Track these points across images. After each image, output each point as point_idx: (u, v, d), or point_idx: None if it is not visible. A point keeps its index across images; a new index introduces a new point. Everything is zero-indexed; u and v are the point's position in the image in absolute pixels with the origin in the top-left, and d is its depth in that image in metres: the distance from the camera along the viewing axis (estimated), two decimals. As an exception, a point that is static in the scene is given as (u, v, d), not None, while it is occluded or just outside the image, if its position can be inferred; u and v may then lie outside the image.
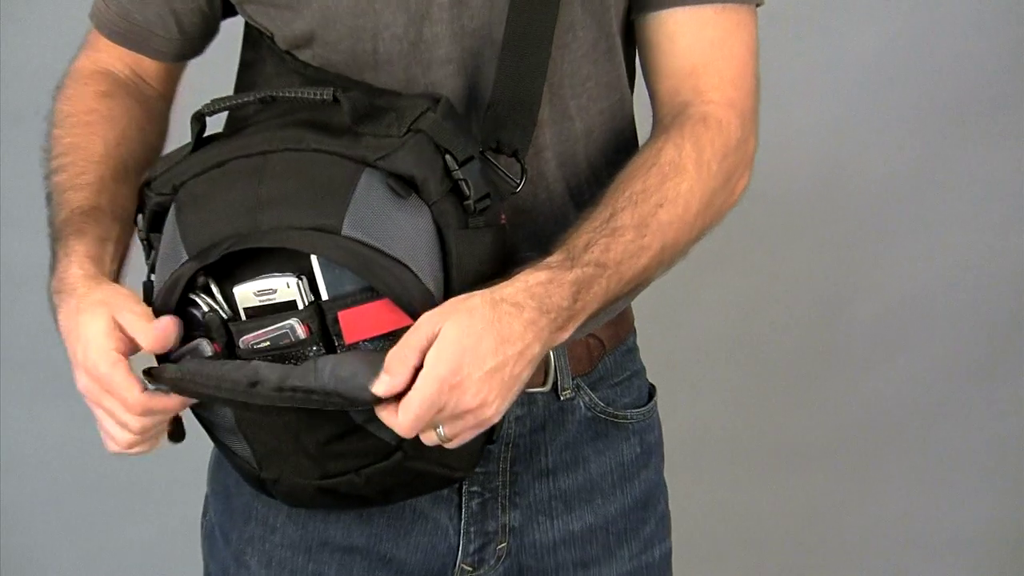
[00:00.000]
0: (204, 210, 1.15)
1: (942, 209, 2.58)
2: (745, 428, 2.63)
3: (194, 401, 1.16)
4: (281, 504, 1.28)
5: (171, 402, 1.15)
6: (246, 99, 1.18)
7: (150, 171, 1.21)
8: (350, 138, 1.15)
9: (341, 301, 1.12)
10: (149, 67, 1.36)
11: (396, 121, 1.15)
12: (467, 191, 1.15)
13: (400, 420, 1.09)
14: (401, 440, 1.13)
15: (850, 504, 2.70)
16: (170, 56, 1.36)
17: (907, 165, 2.54)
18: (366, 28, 1.22)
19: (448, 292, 1.13)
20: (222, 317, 1.14)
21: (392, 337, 1.11)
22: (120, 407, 1.15)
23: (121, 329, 1.15)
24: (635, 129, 1.35)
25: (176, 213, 1.17)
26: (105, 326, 1.14)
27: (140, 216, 1.21)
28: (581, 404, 1.35)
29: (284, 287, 1.12)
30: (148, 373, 1.14)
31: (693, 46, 1.27)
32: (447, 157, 1.14)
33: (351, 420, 1.15)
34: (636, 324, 1.42)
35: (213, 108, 1.19)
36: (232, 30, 1.34)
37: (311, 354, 1.12)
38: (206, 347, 1.15)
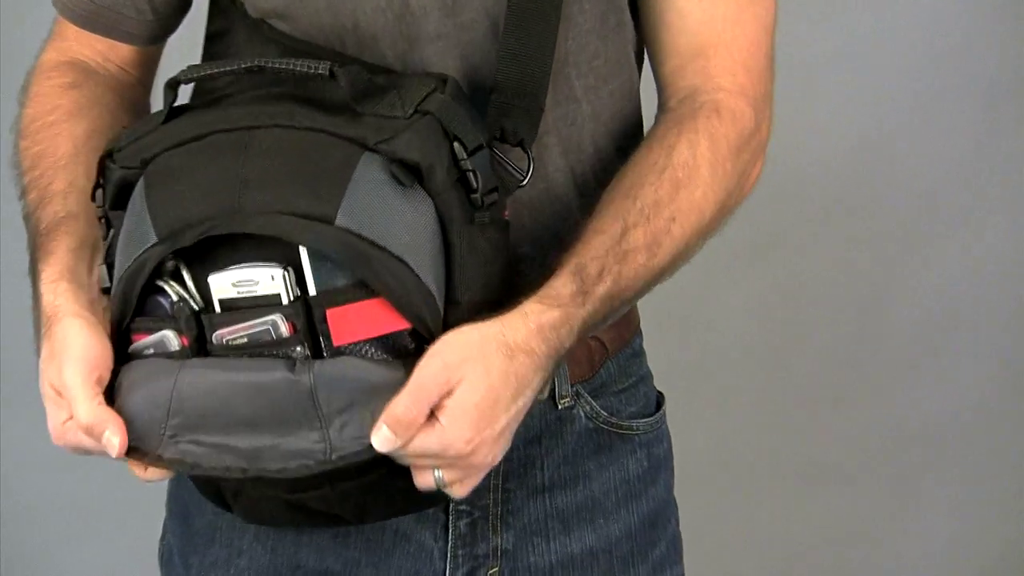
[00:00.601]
0: (178, 187, 1.11)
1: (987, 203, 2.55)
2: (766, 442, 2.59)
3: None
4: (247, 524, 1.26)
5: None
6: (230, 67, 1.13)
7: (113, 141, 1.16)
8: (347, 117, 1.11)
9: (330, 298, 1.08)
10: (122, 52, 1.32)
11: (399, 101, 1.12)
12: (475, 183, 1.11)
13: (397, 458, 1.10)
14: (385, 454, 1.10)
15: (885, 528, 2.65)
16: (143, 38, 1.32)
17: (948, 154, 2.51)
18: (344, 1, 1.18)
19: (449, 293, 1.11)
20: (192, 308, 1.10)
21: (386, 341, 1.09)
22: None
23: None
24: (641, 113, 1.31)
25: (145, 189, 1.12)
26: (53, 392, 1.12)
27: (99, 191, 1.16)
28: (581, 414, 1.30)
29: (268, 279, 1.08)
30: (125, 447, 1.10)
31: (704, 23, 1.25)
32: (456, 144, 1.11)
33: None
34: (642, 325, 1.38)
35: (191, 75, 1.14)
36: (204, 4, 1.31)
37: (294, 354, 1.09)
38: (172, 340, 1.11)
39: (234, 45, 1.25)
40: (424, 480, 1.11)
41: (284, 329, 1.09)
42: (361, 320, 1.08)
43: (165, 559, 1.37)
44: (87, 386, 1.10)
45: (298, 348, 1.09)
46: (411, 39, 1.20)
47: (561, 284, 1.14)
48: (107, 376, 1.11)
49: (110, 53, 1.32)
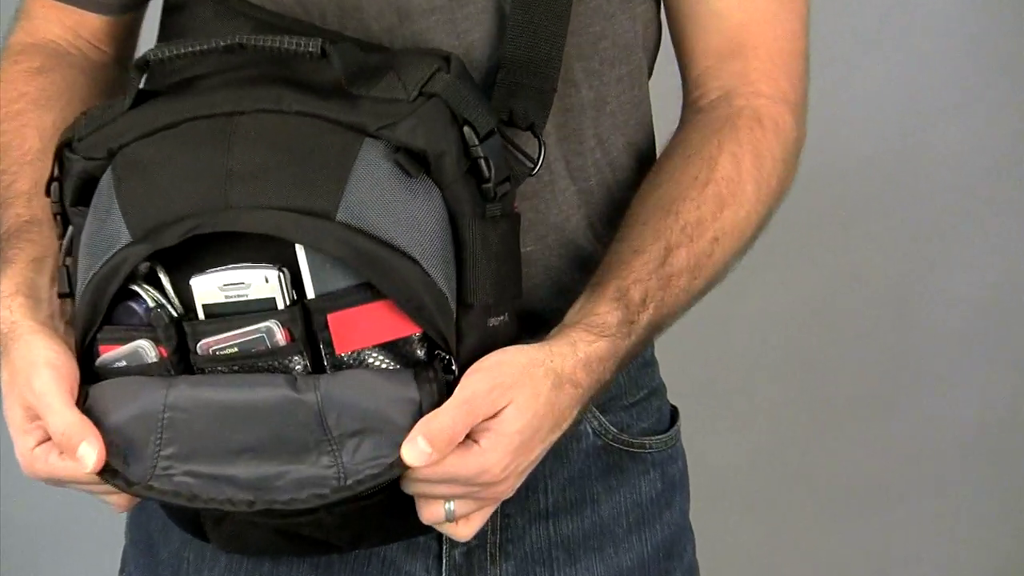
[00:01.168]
0: (154, 181, 1.06)
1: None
2: (789, 461, 2.55)
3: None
4: (219, 554, 1.22)
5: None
6: (207, 46, 1.08)
7: (71, 130, 1.11)
8: (342, 101, 1.07)
9: (331, 301, 1.04)
10: (94, 25, 1.27)
11: (400, 82, 1.07)
12: (487, 172, 1.07)
13: (409, 483, 1.06)
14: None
15: (927, 553, 2.61)
16: (115, 7, 1.27)
17: (983, 150, 2.47)
18: None
19: (460, 295, 1.07)
20: (171, 315, 1.06)
21: (393, 348, 1.05)
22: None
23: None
24: (650, 103, 1.28)
25: (114, 183, 1.08)
26: (21, 413, 1.08)
27: (55, 185, 1.11)
28: (588, 430, 1.26)
29: (260, 281, 1.04)
30: (107, 471, 1.05)
31: (743, 23, 1.23)
32: (466, 129, 1.07)
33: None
34: (654, 332, 1.32)
35: (163, 55, 1.08)
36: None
37: (292, 364, 1.05)
38: (148, 350, 1.06)
39: (198, 19, 1.19)
40: (432, 513, 1.08)
41: (280, 337, 1.04)
42: (366, 325, 1.04)
43: None
44: (62, 392, 1.05)
45: (296, 358, 1.05)
46: (401, 12, 1.15)
47: (606, 311, 1.12)
48: (76, 391, 1.06)
49: (80, 28, 1.27)
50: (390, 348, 1.05)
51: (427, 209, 1.05)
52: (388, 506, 1.09)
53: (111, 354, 1.07)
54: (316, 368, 1.05)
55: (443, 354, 1.05)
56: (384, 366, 1.04)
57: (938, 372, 2.57)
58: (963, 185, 2.50)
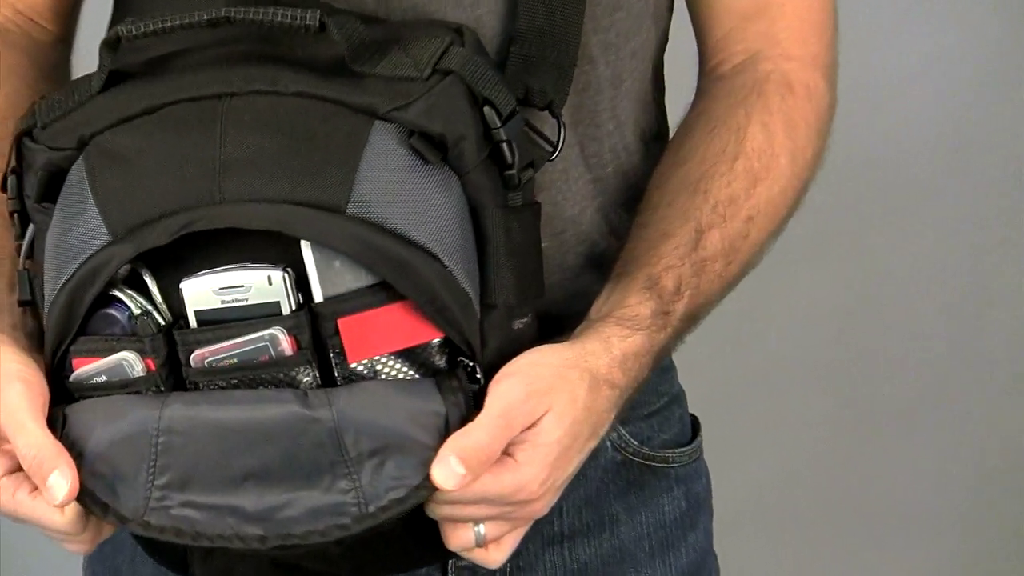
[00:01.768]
0: (134, 173, 1.01)
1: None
2: (824, 482, 2.45)
3: None
4: None
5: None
6: (189, 20, 1.02)
7: (31, 116, 1.06)
8: (345, 80, 1.01)
9: (341, 304, 0.99)
10: (35, 0, 1.23)
11: (409, 58, 1.02)
12: (510, 157, 1.02)
13: (436, 507, 1.01)
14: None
15: None
16: None
17: None
18: None
19: (483, 294, 1.02)
20: (158, 323, 1.00)
21: (411, 356, 1.00)
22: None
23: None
24: (662, 76, 1.24)
25: (88, 176, 1.02)
26: None
27: (11, 178, 1.05)
28: (607, 443, 1.22)
29: (263, 283, 0.98)
30: (96, 505, 0.99)
31: None
32: (486, 110, 1.02)
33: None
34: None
35: (135, 31, 1.02)
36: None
37: (299, 377, 1.00)
38: (133, 363, 1.00)
39: None
40: (460, 538, 1.02)
41: (286, 346, 0.99)
42: (381, 330, 1.00)
43: None
44: (34, 409, 0.99)
45: (303, 369, 1.00)
46: None
47: (637, 302, 1.08)
48: (47, 410, 1.01)
49: (19, 2, 1.22)
50: (407, 356, 1.00)
51: (446, 199, 1.01)
52: (400, 532, 1.05)
53: (88, 368, 1.01)
54: (325, 380, 1.00)
55: (466, 361, 1.01)
56: (401, 376, 1.00)
57: (994, 383, 2.46)
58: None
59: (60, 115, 1.04)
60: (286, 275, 0.97)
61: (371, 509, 0.98)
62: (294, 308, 0.99)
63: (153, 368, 1.00)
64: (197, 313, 0.99)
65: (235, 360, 0.99)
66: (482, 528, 1.02)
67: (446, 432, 0.98)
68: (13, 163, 1.05)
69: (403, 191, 0.99)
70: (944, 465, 2.47)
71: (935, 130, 2.37)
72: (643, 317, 1.07)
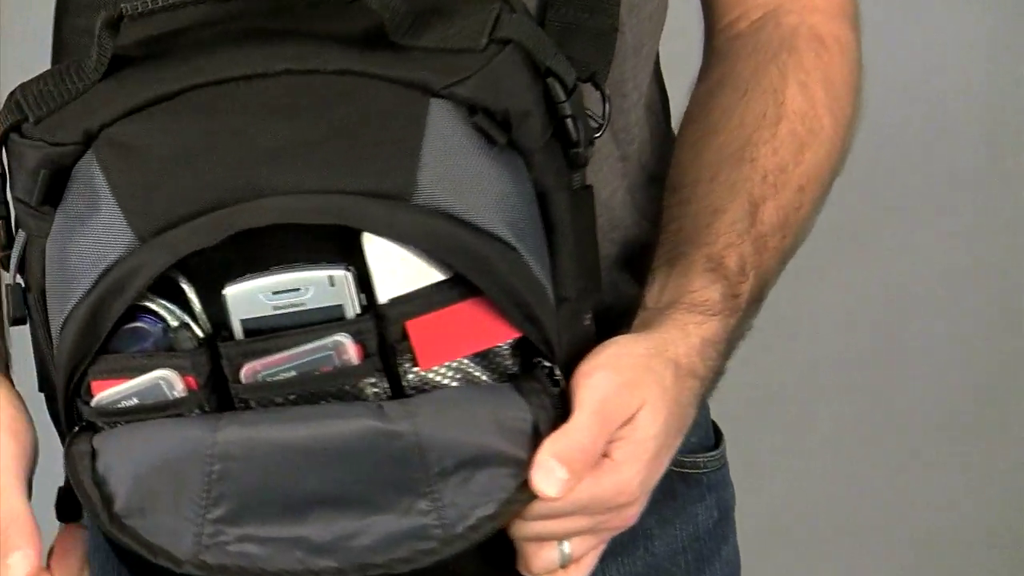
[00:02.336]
0: (157, 168, 0.94)
1: None
2: (858, 496, 2.33)
3: None
4: None
5: None
6: None
7: (16, 109, 0.99)
8: (389, 54, 0.95)
9: (408, 305, 0.93)
10: None
11: (456, 28, 0.96)
12: (575, 134, 0.97)
13: (522, 527, 0.95)
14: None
15: None
16: None
17: None
18: None
19: (555, 287, 0.97)
20: (198, 336, 0.93)
21: (484, 359, 0.94)
22: None
23: None
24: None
25: (103, 172, 0.94)
26: None
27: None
28: None
29: (324, 284, 0.91)
30: (145, 546, 0.93)
31: None
32: (550, 81, 0.96)
33: None
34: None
35: (143, 7, 0.94)
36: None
37: (365, 388, 0.93)
38: (173, 382, 0.93)
39: None
40: (544, 560, 0.97)
41: (352, 354, 0.92)
42: (453, 332, 0.94)
43: None
44: (19, 470, 0.95)
45: (371, 379, 0.93)
46: None
47: (702, 286, 1.03)
48: (30, 468, 0.97)
49: None
50: (480, 359, 0.94)
51: (516, 183, 0.95)
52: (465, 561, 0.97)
53: (115, 390, 0.93)
54: (393, 390, 0.94)
55: (543, 362, 0.95)
56: (476, 382, 0.95)
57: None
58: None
59: (55, 107, 0.97)
60: (349, 274, 0.91)
61: (460, 529, 0.92)
62: (359, 311, 0.92)
63: (195, 387, 0.93)
64: (244, 322, 0.93)
65: (293, 373, 0.93)
66: (567, 546, 0.97)
67: (535, 439, 0.92)
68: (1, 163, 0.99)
69: (470, 176, 0.94)
70: (992, 484, 2.37)
71: (977, 129, 2.30)
72: (714, 302, 1.04)
